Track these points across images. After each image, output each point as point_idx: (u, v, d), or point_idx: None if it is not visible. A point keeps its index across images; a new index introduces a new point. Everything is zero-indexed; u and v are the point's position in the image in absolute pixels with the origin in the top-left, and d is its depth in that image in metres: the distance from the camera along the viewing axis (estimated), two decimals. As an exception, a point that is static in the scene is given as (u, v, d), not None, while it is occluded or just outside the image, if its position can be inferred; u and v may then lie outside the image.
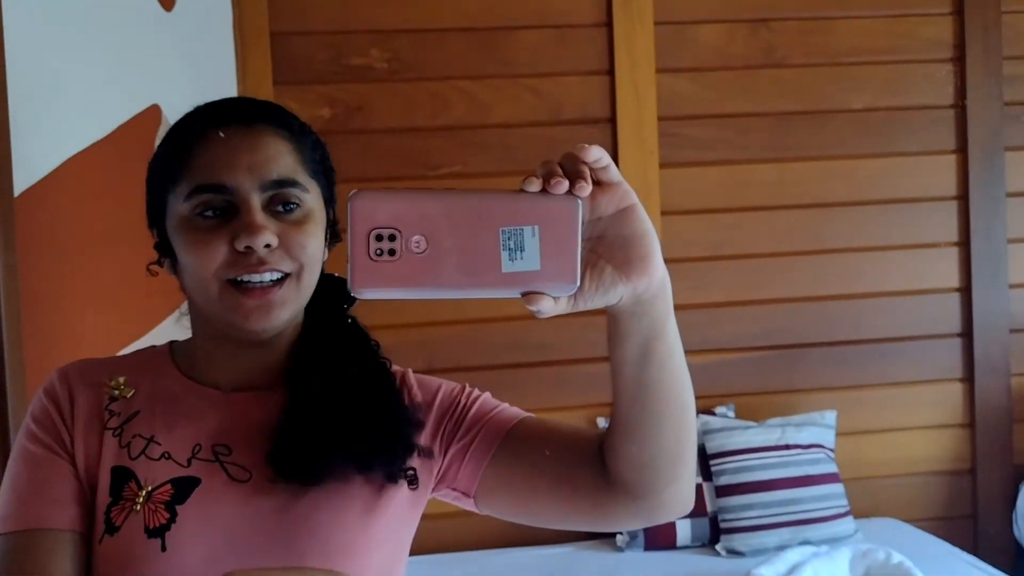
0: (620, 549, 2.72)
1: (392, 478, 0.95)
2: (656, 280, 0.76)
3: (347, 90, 2.78)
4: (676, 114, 2.89)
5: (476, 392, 1.02)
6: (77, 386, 0.95)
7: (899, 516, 2.93)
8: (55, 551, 0.89)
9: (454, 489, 0.99)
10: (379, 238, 0.69)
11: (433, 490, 0.99)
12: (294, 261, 0.91)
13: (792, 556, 2.48)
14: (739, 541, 2.66)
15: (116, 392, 0.96)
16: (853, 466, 2.90)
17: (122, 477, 0.92)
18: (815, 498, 2.71)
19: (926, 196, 2.99)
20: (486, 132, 2.84)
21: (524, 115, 2.85)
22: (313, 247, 0.92)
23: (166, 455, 0.93)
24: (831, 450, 2.83)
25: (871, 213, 2.97)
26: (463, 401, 1.00)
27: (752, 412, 2.91)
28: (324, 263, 0.98)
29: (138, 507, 0.90)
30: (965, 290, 3.00)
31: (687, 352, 0.84)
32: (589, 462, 0.91)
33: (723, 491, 2.72)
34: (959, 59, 2.96)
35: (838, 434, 2.88)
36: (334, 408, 0.94)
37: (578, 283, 0.72)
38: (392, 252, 0.69)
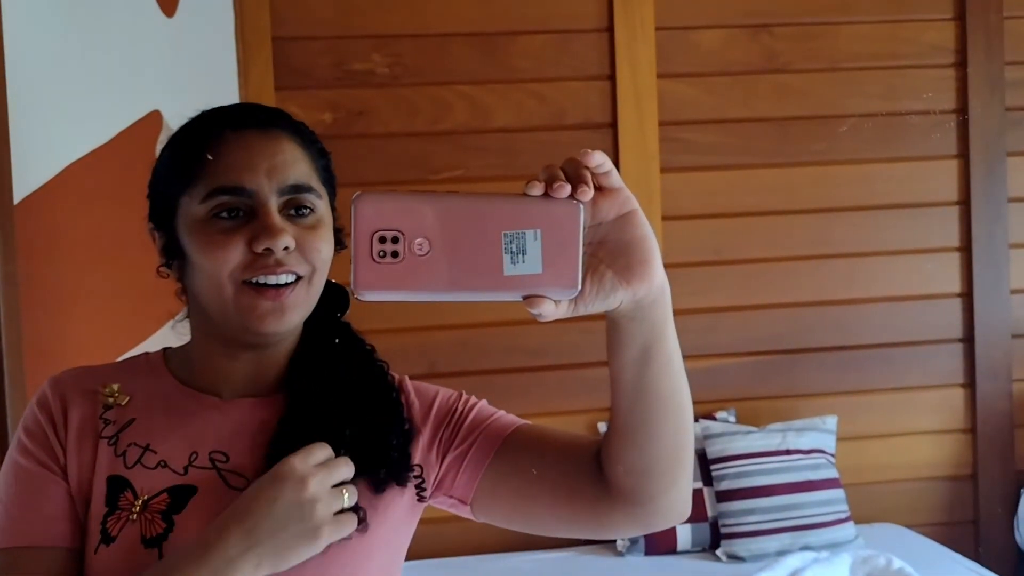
0: (621, 554, 2.72)
1: (401, 482, 0.95)
2: (656, 285, 0.77)
3: (349, 95, 2.79)
4: (677, 119, 2.89)
5: (473, 399, 1.02)
6: (70, 395, 0.95)
7: (900, 521, 2.93)
8: (46, 568, 0.89)
9: (451, 496, 0.99)
10: (382, 240, 0.69)
11: (430, 497, 0.99)
12: (308, 264, 0.92)
13: (793, 561, 2.48)
14: (740, 546, 2.66)
15: (111, 400, 0.95)
16: (854, 471, 2.90)
17: (117, 486, 0.91)
18: (816, 503, 2.71)
19: (928, 201, 2.99)
20: (487, 137, 2.84)
21: (525, 120, 2.85)
22: (326, 251, 0.94)
23: (162, 463, 0.93)
24: (832, 455, 2.83)
25: (873, 218, 2.97)
26: (460, 408, 1.00)
27: (753, 417, 2.91)
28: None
29: (134, 517, 0.90)
30: (966, 295, 3.00)
31: (688, 357, 0.84)
32: (586, 469, 0.91)
33: (724, 496, 2.72)
34: (961, 64, 2.96)
35: (839, 439, 2.88)
36: (333, 415, 0.94)
37: (579, 287, 0.72)
38: (395, 254, 0.69)
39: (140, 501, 0.91)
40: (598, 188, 0.74)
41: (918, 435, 3.01)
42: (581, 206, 0.72)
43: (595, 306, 0.76)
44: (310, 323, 0.99)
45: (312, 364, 0.98)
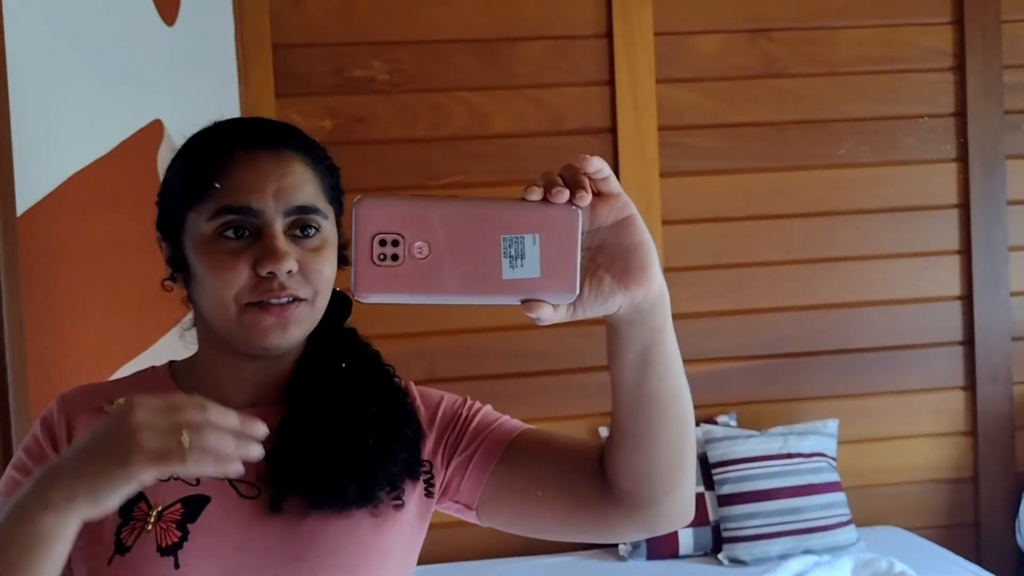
0: (623, 558, 2.72)
1: (414, 476, 0.97)
2: (654, 290, 0.77)
3: (349, 102, 2.79)
4: (676, 124, 2.90)
5: (477, 405, 1.03)
6: (77, 412, 0.96)
7: (901, 524, 2.93)
8: None
9: (456, 502, 1.00)
10: (382, 243, 0.70)
11: (437, 501, 1.00)
12: (311, 287, 0.93)
13: (795, 565, 2.48)
14: (742, 550, 2.66)
15: None
16: (855, 475, 2.90)
17: (130, 498, 0.90)
18: (817, 507, 2.71)
19: (927, 204, 2.99)
20: (487, 142, 2.85)
21: (525, 125, 2.86)
22: (328, 273, 0.95)
23: (173, 476, 0.91)
24: (833, 459, 2.83)
25: (872, 222, 2.97)
26: (464, 414, 1.01)
27: (754, 421, 2.91)
28: None
29: (149, 527, 0.91)
30: (966, 298, 3.00)
31: (689, 361, 0.85)
32: (589, 473, 0.92)
33: (725, 500, 2.72)
34: (959, 68, 2.97)
35: (840, 442, 2.88)
36: (333, 419, 0.95)
37: (577, 291, 0.73)
38: (395, 257, 0.70)
39: (155, 512, 0.92)
40: (596, 193, 0.75)
41: (919, 438, 3.01)
42: (579, 211, 0.72)
43: (594, 310, 0.76)
44: (315, 331, 1.00)
45: (315, 371, 0.99)
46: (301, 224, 0.93)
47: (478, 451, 0.98)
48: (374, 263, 0.70)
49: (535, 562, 2.73)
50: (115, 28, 1.65)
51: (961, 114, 2.98)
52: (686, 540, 2.71)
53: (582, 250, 0.73)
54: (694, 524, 2.66)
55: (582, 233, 0.72)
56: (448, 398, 1.03)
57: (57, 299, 1.29)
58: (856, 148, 2.96)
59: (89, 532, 0.90)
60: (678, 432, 0.86)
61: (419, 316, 2.68)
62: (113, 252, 1.50)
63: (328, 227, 0.96)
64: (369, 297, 0.70)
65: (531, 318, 0.73)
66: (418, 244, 0.70)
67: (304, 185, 0.94)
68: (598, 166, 0.73)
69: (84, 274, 1.41)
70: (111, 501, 0.76)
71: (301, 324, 0.94)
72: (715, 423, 2.87)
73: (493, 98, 2.85)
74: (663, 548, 2.71)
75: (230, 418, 0.78)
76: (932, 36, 2.97)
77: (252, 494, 0.93)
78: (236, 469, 0.77)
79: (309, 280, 0.93)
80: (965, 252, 2.99)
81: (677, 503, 0.90)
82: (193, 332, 1.01)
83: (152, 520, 0.92)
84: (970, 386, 3.01)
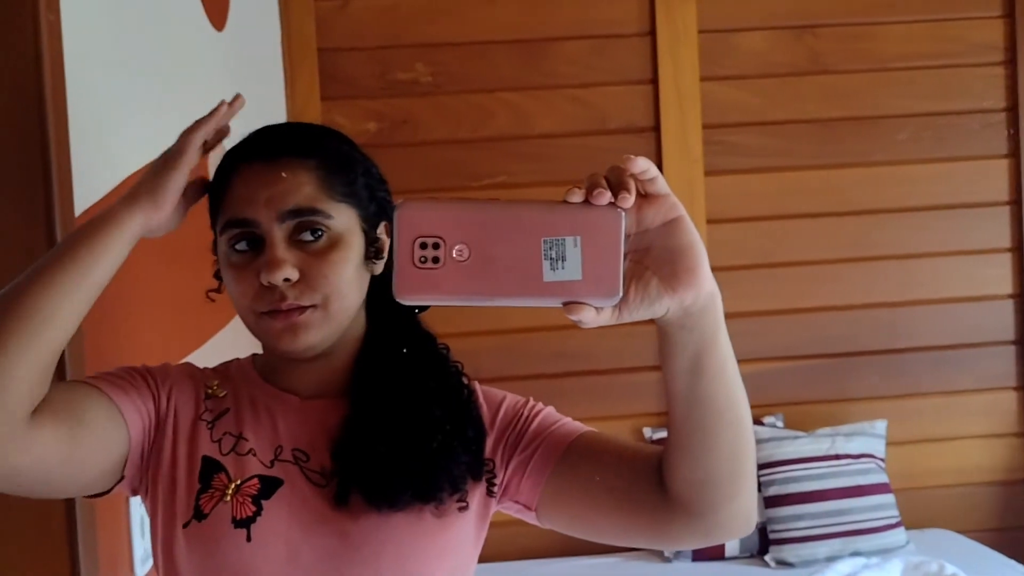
0: (668, 560, 2.71)
1: (476, 476, 0.98)
2: (704, 293, 0.76)
3: (393, 104, 2.82)
4: (721, 122, 2.88)
5: (539, 406, 1.03)
6: (185, 376, 1.03)
7: (952, 527, 2.88)
8: (112, 424, 0.94)
9: (516, 502, 1.00)
10: (423, 246, 0.70)
11: (497, 502, 1.01)
12: (316, 293, 0.94)
13: (843, 567, 2.46)
14: (789, 552, 2.64)
15: (210, 391, 1.02)
16: (905, 476, 2.86)
17: (212, 468, 0.97)
18: (866, 508, 2.67)
19: (978, 201, 2.94)
20: (529, 143, 2.85)
21: (567, 125, 2.86)
22: (338, 275, 0.95)
23: (252, 452, 0.98)
24: (881, 460, 2.79)
25: (922, 219, 2.93)
26: (526, 414, 1.02)
27: (801, 422, 2.88)
28: (376, 275, 1.01)
29: (227, 498, 0.95)
30: (1018, 296, 2.95)
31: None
32: (648, 478, 0.91)
33: (772, 502, 2.69)
34: (1010, 62, 2.92)
35: (888, 444, 2.84)
36: (397, 426, 0.97)
37: (620, 294, 0.72)
38: (436, 260, 0.70)
39: (234, 484, 0.96)
40: (643, 195, 0.73)
41: (969, 439, 2.96)
42: (622, 213, 0.71)
43: (640, 313, 0.75)
44: (377, 323, 1.03)
45: (376, 368, 1.00)
46: (304, 227, 0.94)
47: (537, 452, 0.98)
48: (415, 266, 0.70)
49: (579, 563, 2.73)
50: (167, 33, 1.68)
51: (1012, 109, 2.92)
52: (732, 542, 2.68)
53: (626, 252, 0.72)
54: (740, 525, 2.64)
55: (624, 235, 0.71)
56: (511, 398, 1.04)
57: (113, 299, 1.32)
58: (905, 145, 2.92)
59: (170, 491, 0.96)
60: (734, 439, 0.85)
61: (461, 317, 2.69)
62: (165, 253, 1.53)
63: (340, 224, 0.96)
64: (410, 300, 0.71)
65: (573, 321, 0.72)
66: (458, 247, 0.70)
67: (298, 188, 0.94)
68: (644, 166, 0.72)
69: (139, 275, 1.43)
70: (166, 193, 0.94)
71: (314, 328, 0.95)
72: (761, 424, 2.85)
73: (535, 98, 2.85)
74: (709, 550, 2.69)
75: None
76: (982, 30, 2.92)
77: (321, 483, 0.96)
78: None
79: (314, 286, 0.94)
80: (1017, 249, 2.94)
81: (736, 512, 0.88)
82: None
83: (231, 492, 0.95)
84: (1021, 386, 2.96)
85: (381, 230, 1.02)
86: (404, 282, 0.70)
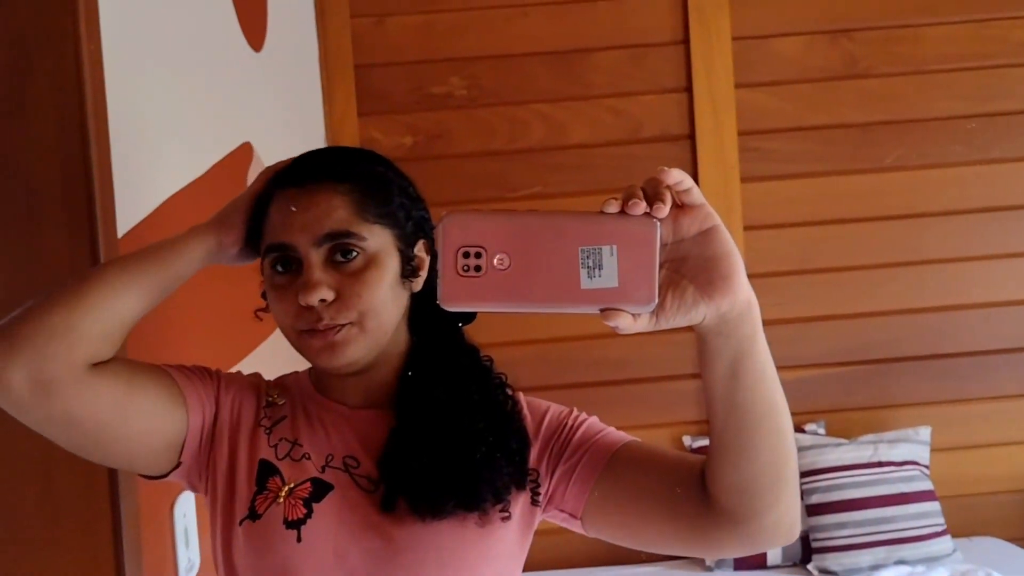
0: (709, 569, 2.70)
1: (520, 485, 1.00)
2: (739, 300, 0.77)
3: (428, 118, 2.85)
4: (756, 128, 2.87)
5: (583, 416, 1.05)
6: (247, 384, 1.09)
7: (1001, 535, 2.83)
8: (171, 401, 1.01)
9: (561, 510, 1.02)
10: (466, 255, 0.73)
11: (543, 511, 1.03)
12: (351, 311, 0.98)
13: (887, 576, 2.43)
14: (832, 560, 2.61)
15: (270, 399, 1.08)
16: (951, 483, 2.81)
17: (267, 471, 1.02)
18: (910, 516, 2.64)
19: (1023, 203, 2.89)
20: (564, 153, 2.87)
21: (602, 135, 2.87)
22: (372, 293, 0.98)
23: (306, 456, 1.02)
24: (926, 467, 2.75)
25: (966, 222, 2.88)
26: (570, 424, 1.03)
27: (843, 429, 2.85)
28: (416, 293, 1.04)
29: (280, 499, 0.99)
30: (1067, 300, 2.89)
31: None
32: (692, 487, 0.92)
33: (814, 510, 2.67)
34: (1054, 61, 2.87)
35: (933, 450, 2.80)
36: (441, 439, 0.99)
37: (656, 300, 0.74)
38: (478, 269, 0.73)
39: (287, 487, 1.00)
40: (679, 205, 0.75)
41: (1017, 445, 2.90)
42: (657, 222, 0.73)
43: (677, 320, 0.77)
44: (421, 335, 1.06)
45: (420, 381, 1.03)
46: (338, 249, 0.98)
47: (582, 461, 1.00)
48: (458, 274, 0.73)
49: (621, 572, 2.72)
50: (207, 55, 1.72)
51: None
52: (774, 551, 2.67)
53: (662, 261, 0.75)
54: (782, 534, 2.61)
55: (660, 244, 0.73)
56: (555, 408, 1.06)
57: (161, 315, 1.36)
58: (947, 147, 2.88)
59: (229, 492, 1.01)
60: (774, 446, 0.85)
61: (499, 326, 2.70)
62: (208, 269, 1.57)
63: (374, 245, 0.99)
64: (454, 306, 0.74)
65: (610, 326, 0.74)
66: (499, 256, 0.73)
67: (331, 212, 0.98)
68: (678, 177, 0.74)
69: (183, 293, 1.47)
70: (232, 220, 1.03)
71: (351, 345, 0.98)
72: (803, 431, 2.82)
73: (570, 109, 2.87)
74: (751, 559, 2.67)
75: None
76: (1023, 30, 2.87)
77: (370, 488, 1.00)
78: None
79: (349, 306, 0.97)
80: (1065, 252, 2.88)
81: (779, 519, 0.89)
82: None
83: (284, 494, 0.99)
84: (1072, 391, 2.89)
85: (419, 248, 1.04)
86: (448, 290, 0.73)
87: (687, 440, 2.84)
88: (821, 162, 2.89)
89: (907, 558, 2.57)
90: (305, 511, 0.98)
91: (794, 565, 2.69)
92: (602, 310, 0.73)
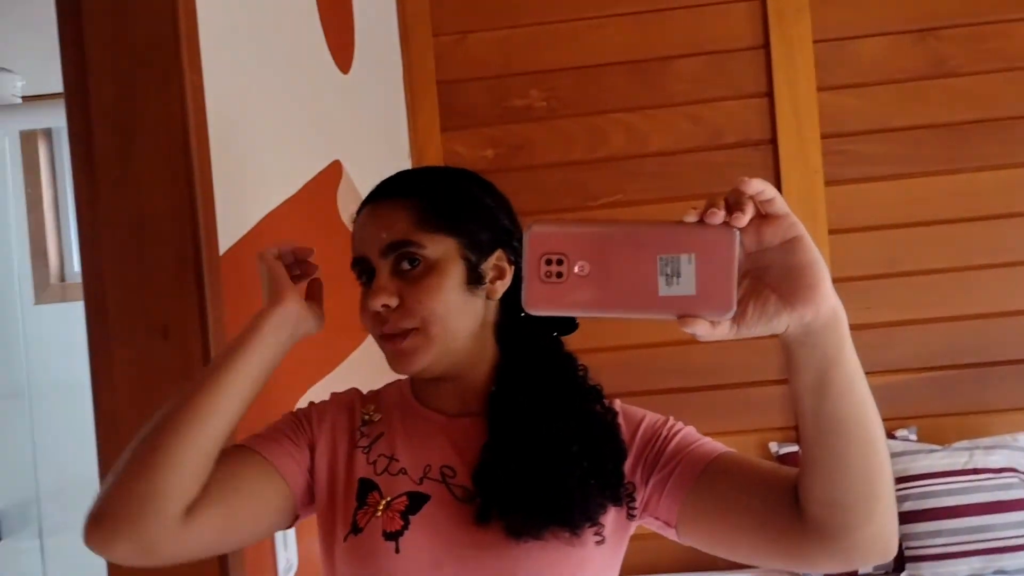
0: (799, 577, 2.66)
1: (617, 501, 1.01)
2: (824, 310, 0.77)
3: (509, 131, 2.90)
4: (840, 131, 2.83)
5: (679, 425, 1.05)
6: (339, 408, 1.13)
7: (1109, 546, 2.71)
8: (265, 478, 1.04)
9: (656, 518, 1.02)
10: (548, 262, 0.76)
11: (639, 517, 1.03)
12: (414, 317, 1.02)
13: (985, 587, 2.36)
14: (927, 570, 2.55)
15: (367, 417, 1.11)
16: (1053, 492, 2.71)
17: (367, 487, 1.06)
18: (1010, 525, 2.55)
19: (1125, 200, 2.78)
20: (644, 161, 2.88)
21: (682, 142, 2.87)
22: (434, 299, 1.01)
23: (403, 471, 1.06)
24: (1025, 474, 2.67)
25: (1063, 221, 2.79)
26: (664, 433, 1.04)
27: (936, 435, 2.78)
28: (492, 296, 1.06)
29: (379, 513, 1.03)
30: None
31: (864, 373, 0.82)
32: (784, 500, 0.91)
33: (907, 517, 2.61)
34: None
35: (1034, 457, 2.70)
36: (535, 463, 1.00)
37: (734, 309, 0.75)
38: (559, 275, 0.76)
39: (385, 501, 1.04)
40: (762, 215, 0.76)
41: None
42: (736, 231, 0.74)
43: (758, 329, 0.77)
44: (511, 343, 1.08)
45: (512, 390, 1.05)
46: (403, 258, 1.02)
47: (676, 471, 1.00)
48: (541, 280, 0.76)
49: (710, 579, 2.71)
50: (299, 79, 1.80)
51: None
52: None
53: (743, 270, 0.76)
54: (874, 542, 2.56)
55: (740, 253, 0.75)
56: (650, 417, 1.07)
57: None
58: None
59: (330, 511, 1.06)
60: (866, 459, 0.84)
61: (582, 333, 2.74)
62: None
63: (435, 253, 1.02)
64: (537, 311, 0.77)
65: (688, 333, 0.75)
66: (580, 263, 0.76)
67: (394, 224, 1.02)
68: (760, 187, 0.74)
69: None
70: (273, 291, 1.04)
71: (418, 352, 1.02)
72: (894, 437, 2.76)
73: (649, 117, 2.88)
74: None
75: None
76: (1122, 21, 2.77)
77: (467, 498, 1.02)
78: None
79: (410, 312, 1.01)
80: None
81: (872, 535, 0.87)
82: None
83: (382, 508, 1.03)
84: None
85: (498, 257, 1.06)
86: (531, 295, 0.77)
87: (773, 447, 2.81)
88: (908, 163, 2.83)
89: (1007, 568, 2.49)
90: (402, 523, 1.01)
91: (887, 574, 2.63)
92: (680, 317, 0.75)
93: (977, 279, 2.82)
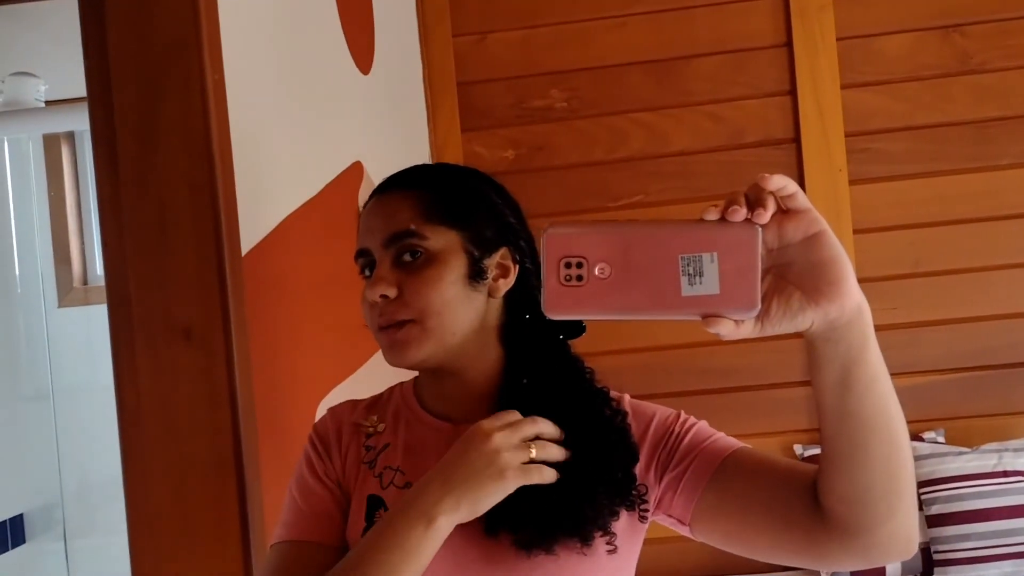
0: (824, 580, 2.64)
1: (629, 505, 0.99)
2: (848, 306, 0.76)
3: (529, 131, 2.89)
4: (864, 129, 2.80)
5: (692, 420, 1.03)
6: (342, 424, 1.10)
7: None
8: (316, 562, 1.00)
9: (670, 516, 1.01)
10: (567, 265, 0.75)
11: (652, 515, 1.02)
12: (411, 309, 0.99)
13: (1015, 591, 2.32)
14: (955, 573, 2.51)
15: (371, 430, 1.09)
16: (1084, 494, 2.67)
17: (375, 505, 1.03)
18: (1040, 529, 2.52)
19: None
20: (666, 161, 2.86)
21: (703, 142, 2.85)
22: (432, 290, 0.98)
23: (408, 484, 1.02)
24: (1057, 477, 2.62)
25: (1092, 219, 2.75)
26: (677, 430, 1.02)
27: (964, 437, 2.74)
28: (495, 294, 1.03)
29: None
30: None
31: (890, 374, 0.82)
32: (803, 496, 0.90)
33: (935, 521, 2.58)
34: None
35: (1064, 459, 2.66)
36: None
37: (758, 306, 0.73)
38: (579, 278, 0.75)
39: None
40: (784, 211, 0.74)
41: None
42: (758, 228, 0.73)
43: (783, 326, 0.76)
44: (515, 344, 1.04)
45: (516, 396, 1.01)
46: (404, 249, 1.00)
47: (690, 468, 0.98)
48: (561, 284, 0.75)
49: (732, 582, 2.69)
50: (320, 80, 1.80)
51: None
52: (894, 564, 2.59)
53: (766, 267, 0.74)
54: (901, 545, 2.53)
55: (763, 250, 0.73)
56: (661, 413, 1.04)
57: (278, 331, 1.42)
58: (1069, 142, 2.75)
59: (346, 531, 1.03)
60: (888, 456, 0.83)
61: (605, 335, 2.72)
62: (323, 285, 1.64)
63: (436, 244, 0.99)
64: (557, 315, 0.76)
65: (712, 332, 0.74)
66: (600, 265, 0.74)
67: (396, 214, 1.00)
68: (781, 183, 0.73)
69: (300, 307, 1.54)
70: (486, 508, 0.91)
71: (413, 344, 0.99)
72: (921, 440, 2.73)
73: (670, 117, 2.86)
74: (869, 571, 2.59)
75: (551, 427, 0.96)
76: None
77: None
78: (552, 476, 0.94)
79: (408, 302, 0.99)
80: None
81: (894, 532, 0.86)
82: None
83: None
84: None
85: (502, 255, 1.03)
86: (551, 299, 0.75)
87: (798, 449, 2.78)
88: (933, 161, 2.80)
89: (1037, 572, 2.46)
90: None
91: (915, 578, 2.60)
92: (703, 316, 0.74)
93: (1004, 278, 2.78)
